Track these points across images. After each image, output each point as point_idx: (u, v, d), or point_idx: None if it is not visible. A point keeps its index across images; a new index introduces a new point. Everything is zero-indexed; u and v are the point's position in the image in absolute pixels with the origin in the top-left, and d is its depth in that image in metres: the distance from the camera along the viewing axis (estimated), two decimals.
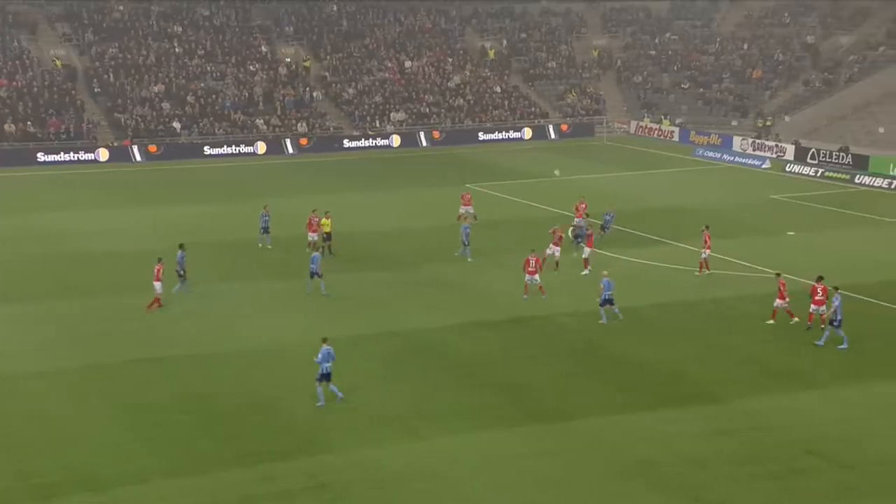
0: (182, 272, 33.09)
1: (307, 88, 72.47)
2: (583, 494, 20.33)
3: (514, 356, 27.84)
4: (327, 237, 38.21)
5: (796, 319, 29.76)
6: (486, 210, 44.73)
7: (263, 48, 75.41)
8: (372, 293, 33.87)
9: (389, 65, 76.32)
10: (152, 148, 63.24)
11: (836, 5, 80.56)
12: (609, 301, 30.31)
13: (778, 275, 30.48)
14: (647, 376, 26.31)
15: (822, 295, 28.93)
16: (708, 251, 35.47)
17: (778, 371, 26.68)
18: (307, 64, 74.86)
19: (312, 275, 33.38)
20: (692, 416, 23.72)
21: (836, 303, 28.14)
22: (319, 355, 24.34)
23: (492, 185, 52.95)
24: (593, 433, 22.92)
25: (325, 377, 24.34)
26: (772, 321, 29.96)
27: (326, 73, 74.77)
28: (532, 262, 32.38)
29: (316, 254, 34.28)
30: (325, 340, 24.59)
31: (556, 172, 52.89)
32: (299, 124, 68.66)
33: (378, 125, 70.42)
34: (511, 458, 21.71)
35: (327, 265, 36.11)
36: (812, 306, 29.28)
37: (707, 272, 35.20)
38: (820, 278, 29.58)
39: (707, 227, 36.47)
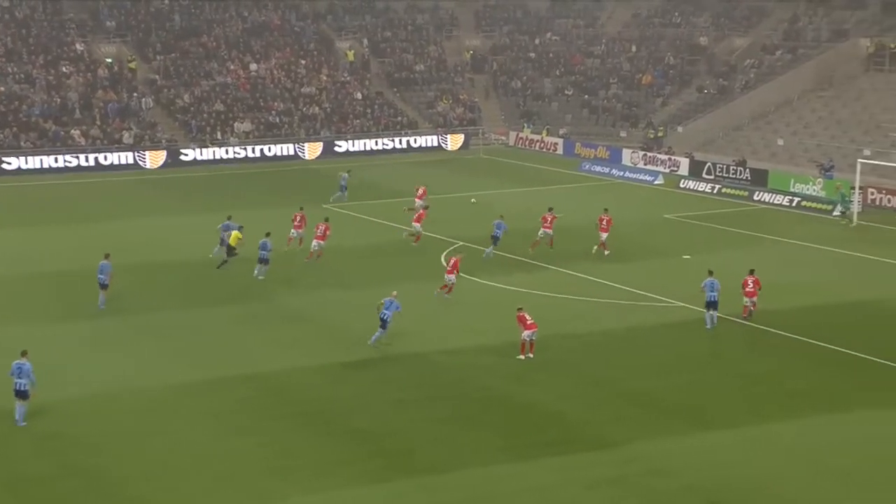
0: None
1: (134, 94, 71.25)
2: None
3: (382, 400, 27.97)
4: (230, 251, 39.64)
5: (531, 356, 30.78)
6: (346, 235, 44.93)
7: (79, 46, 73.86)
8: (217, 330, 33.52)
9: (232, 67, 75.83)
10: None
11: (730, 4, 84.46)
12: (385, 322, 31.28)
13: (519, 309, 31.46)
14: (528, 420, 26.85)
15: (753, 287, 34.41)
16: (548, 231, 43.05)
17: (672, 409, 27.63)
18: (132, 65, 73.64)
19: (102, 286, 34.46)
20: (579, 464, 24.28)
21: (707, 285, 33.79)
22: (11, 370, 25.02)
23: (352, 206, 53.13)
24: (470, 486, 23.22)
25: (20, 395, 24.95)
26: (521, 356, 30.96)
27: (156, 77, 73.71)
28: (452, 261, 36.91)
29: (106, 262, 34.72)
30: (24, 354, 25.28)
31: (473, 200, 54.63)
32: (124, 134, 67.40)
33: (220, 136, 69.77)
34: None
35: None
36: (744, 298, 34.49)
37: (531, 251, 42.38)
38: (752, 271, 34.86)
39: (551, 209, 43.45)
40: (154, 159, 65.99)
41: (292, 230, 43.07)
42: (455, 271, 36.60)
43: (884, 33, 72.29)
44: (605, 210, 44.69)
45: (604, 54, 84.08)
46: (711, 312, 33.93)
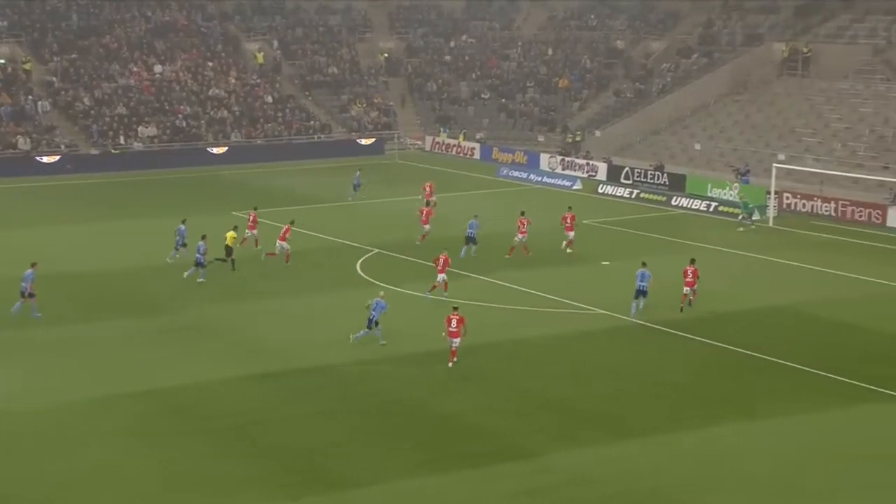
0: None
1: (29, 96, 69.77)
2: None
3: (297, 414, 27.78)
4: (229, 251, 40.31)
5: (450, 365, 31.06)
6: (262, 244, 44.60)
7: None
8: (118, 345, 32.94)
9: (135, 69, 74.72)
10: None
11: (646, 6, 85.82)
12: (372, 322, 32.52)
13: (455, 308, 31.78)
14: (448, 431, 26.89)
15: (692, 277, 36.46)
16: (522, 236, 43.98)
17: (592, 417, 27.92)
18: (27, 66, 72.12)
19: (23, 294, 34.21)
20: (498, 475, 24.36)
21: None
22: None
23: (264, 213, 52.62)
24: (387, 501, 23.16)
25: None
26: (452, 362, 31.18)
27: (53, 78, 72.29)
28: (441, 260, 37.57)
29: (29, 271, 34.61)
30: None
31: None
32: (19, 139, 65.95)
33: (123, 142, 68.66)
34: None
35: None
36: (685, 288, 36.48)
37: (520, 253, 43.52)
38: (692, 261, 37.14)
39: (523, 213, 44.49)
40: (52, 163, 64.88)
41: (247, 231, 44.25)
42: (445, 269, 37.56)
43: (797, 37, 74.12)
44: (569, 208, 46.65)
45: (520, 57, 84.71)
46: (638, 300, 35.84)
